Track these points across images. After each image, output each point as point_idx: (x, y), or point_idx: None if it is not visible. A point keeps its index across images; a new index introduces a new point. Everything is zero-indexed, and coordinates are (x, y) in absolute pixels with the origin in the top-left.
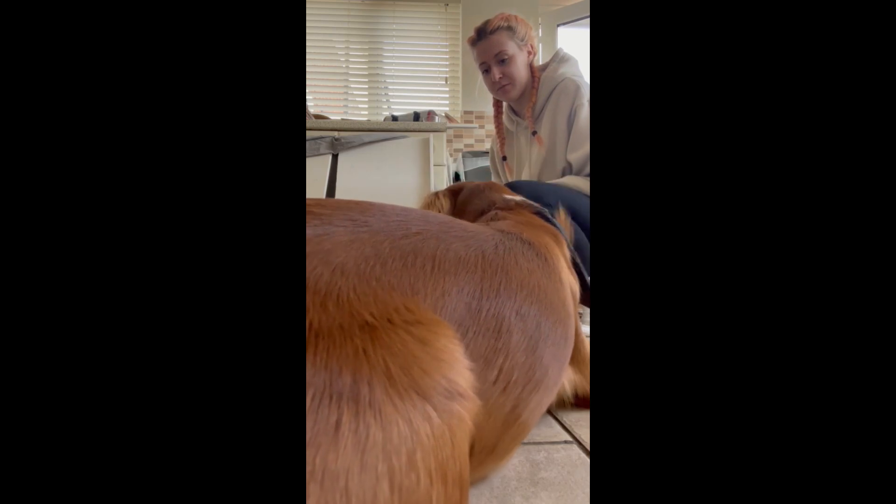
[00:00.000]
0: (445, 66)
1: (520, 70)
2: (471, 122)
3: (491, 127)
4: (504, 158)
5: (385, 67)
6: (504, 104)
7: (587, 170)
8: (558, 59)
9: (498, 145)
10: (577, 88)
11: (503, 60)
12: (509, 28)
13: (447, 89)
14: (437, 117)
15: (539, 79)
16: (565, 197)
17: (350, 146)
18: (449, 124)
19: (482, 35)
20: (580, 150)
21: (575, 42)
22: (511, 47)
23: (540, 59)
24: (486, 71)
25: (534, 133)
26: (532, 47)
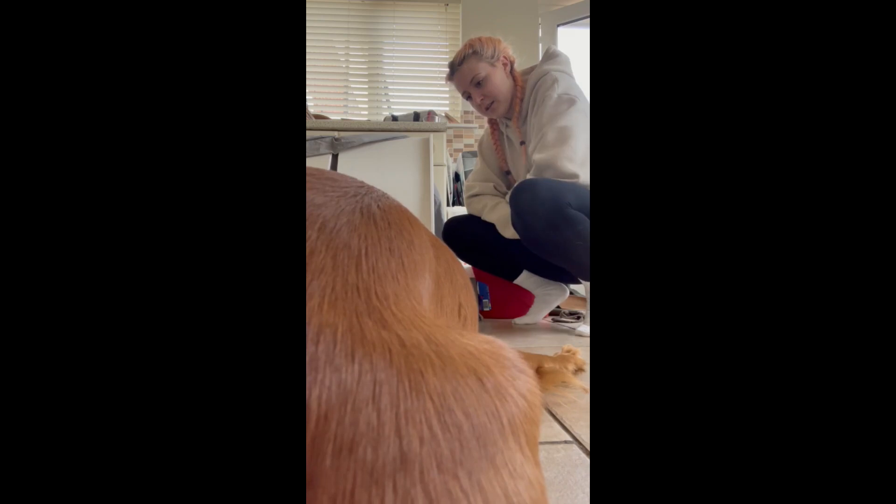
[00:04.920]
0: (445, 66)
1: (498, 86)
2: (471, 122)
3: None
4: (508, 173)
5: (385, 67)
6: (498, 119)
7: (548, 174)
8: (546, 57)
9: (498, 160)
10: (554, 81)
11: (479, 83)
12: (475, 53)
13: (447, 89)
14: (437, 117)
15: (522, 84)
16: (581, 194)
17: (350, 146)
18: (449, 124)
19: (454, 69)
20: (546, 152)
21: (575, 42)
22: (483, 68)
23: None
24: (469, 98)
25: (521, 143)
26: (506, 58)
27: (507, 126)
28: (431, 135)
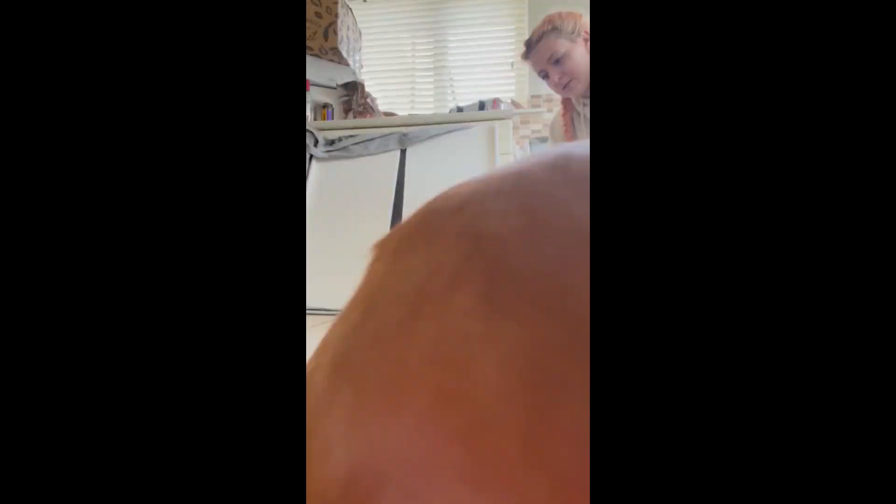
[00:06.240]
0: (511, 50)
1: (578, 63)
2: (539, 105)
3: None
4: None
5: (450, 58)
6: (573, 99)
7: None
8: None
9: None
10: None
11: (557, 61)
12: (554, 28)
13: (513, 74)
14: (502, 104)
15: None
16: None
17: (417, 140)
18: (515, 110)
19: (531, 47)
20: None
21: None
22: (562, 45)
23: None
24: (546, 77)
25: None
26: (587, 32)
27: (584, 105)
28: (497, 123)
